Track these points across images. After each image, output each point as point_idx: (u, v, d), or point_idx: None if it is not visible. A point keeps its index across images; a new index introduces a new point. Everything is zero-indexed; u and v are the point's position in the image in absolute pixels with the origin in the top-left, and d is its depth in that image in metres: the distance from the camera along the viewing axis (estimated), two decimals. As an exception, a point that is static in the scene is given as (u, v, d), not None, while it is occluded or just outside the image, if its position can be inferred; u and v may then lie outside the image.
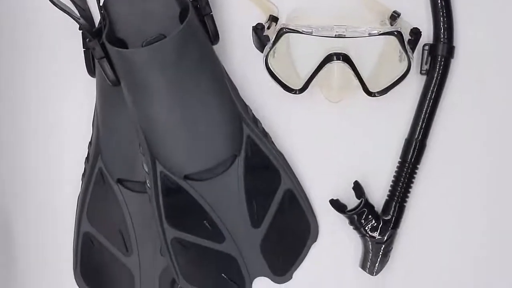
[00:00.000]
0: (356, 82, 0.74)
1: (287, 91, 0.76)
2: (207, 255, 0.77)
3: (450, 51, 0.76)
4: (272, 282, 0.79)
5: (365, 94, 0.75)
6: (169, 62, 0.70)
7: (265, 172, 0.77)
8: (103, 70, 0.72)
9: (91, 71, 0.77)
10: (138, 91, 0.72)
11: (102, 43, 0.71)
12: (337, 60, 0.73)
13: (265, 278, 0.79)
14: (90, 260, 0.79)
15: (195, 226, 0.76)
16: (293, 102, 0.78)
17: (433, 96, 0.77)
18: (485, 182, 0.79)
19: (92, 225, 0.79)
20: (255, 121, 0.77)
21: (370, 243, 0.76)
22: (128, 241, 0.78)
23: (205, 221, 0.77)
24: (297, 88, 0.76)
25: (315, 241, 0.79)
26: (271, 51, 0.74)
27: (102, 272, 0.80)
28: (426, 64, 0.77)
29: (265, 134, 0.78)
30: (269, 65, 0.75)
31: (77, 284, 0.80)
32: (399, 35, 0.71)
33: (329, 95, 0.76)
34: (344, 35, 0.71)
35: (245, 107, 0.77)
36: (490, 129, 0.79)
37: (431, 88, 0.77)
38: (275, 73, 0.75)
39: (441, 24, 0.77)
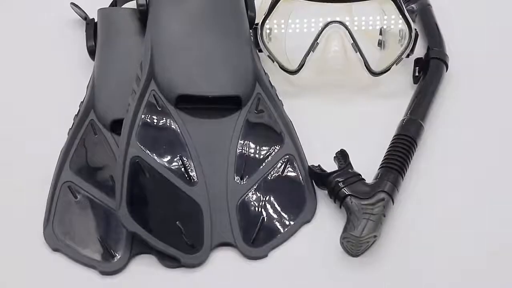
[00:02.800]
0: (355, 56, 0.80)
1: (285, 71, 0.82)
2: (167, 192, 0.71)
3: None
4: (237, 256, 0.69)
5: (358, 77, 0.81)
6: None
7: (268, 130, 0.78)
8: None
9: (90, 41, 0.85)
10: (169, 4, 0.80)
11: None
12: (335, 23, 0.80)
13: (227, 252, 0.70)
14: (69, 213, 0.72)
15: (166, 156, 0.73)
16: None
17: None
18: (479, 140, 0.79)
19: (77, 175, 0.74)
20: (271, 85, 0.81)
21: (353, 204, 0.70)
22: None
23: (179, 155, 0.73)
24: (293, 70, 0.82)
25: (309, 221, 0.72)
26: (267, 37, 0.82)
27: (81, 223, 0.72)
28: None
29: (278, 99, 0.80)
30: (268, 48, 0.82)
31: (46, 241, 0.70)
32: None
33: (325, 65, 0.82)
34: None
35: (263, 70, 0.81)
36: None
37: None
38: (272, 57, 0.82)
39: None
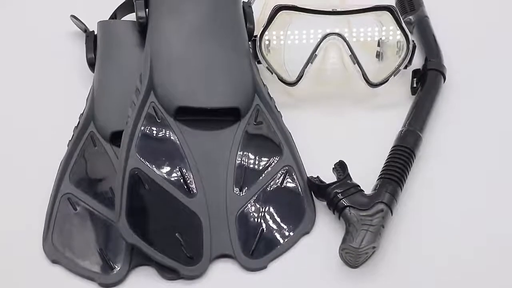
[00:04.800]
0: (353, 68, 0.81)
1: (283, 83, 0.83)
2: (167, 203, 0.71)
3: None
4: (236, 268, 0.69)
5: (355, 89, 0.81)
6: (207, 10, 0.83)
7: (267, 142, 0.78)
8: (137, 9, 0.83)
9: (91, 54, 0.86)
10: (169, 16, 0.81)
11: None
12: (333, 35, 0.80)
13: (227, 263, 0.70)
14: (68, 225, 0.72)
15: (165, 167, 0.73)
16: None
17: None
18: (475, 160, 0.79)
19: (76, 187, 0.74)
20: (270, 96, 0.81)
21: (352, 215, 0.70)
22: None
23: (178, 167, 0.73)
24: (292, 81, 0.82)
25: (308, 232, 0.72)
26: (265, 48, 0.83)
27: (81, 235, 0.72)
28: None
29: (277, 111, 0.80)
30: (266, 60, 0.82)
31: (45, 253, 0.70)
32: (393, 10, 0.80)
33: (324, 76, 0.83)
34: (339, 11, 0.80)
35: (262, 81, 0.82)
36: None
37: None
38: (271, 68, 0.83)
39: None
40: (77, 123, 0.80)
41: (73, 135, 0.79)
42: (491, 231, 0.73)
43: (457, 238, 0.72)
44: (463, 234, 0.72)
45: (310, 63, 0.81)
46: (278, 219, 0.73)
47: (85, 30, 0.90)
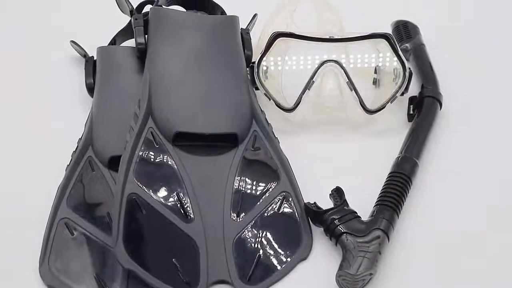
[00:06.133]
0: (349, 95, 0.81)
1: (281, 109, 0.83)
2: (164, 229, 0.71)
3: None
4: None
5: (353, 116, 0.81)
6: (205, 37, 0.85)
7: (265, 168, 0.78)
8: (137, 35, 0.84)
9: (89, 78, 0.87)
10: (168, 43, 0.82)
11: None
12: (330, 62, 0.81)
13: None
14: (65, 250, 0.72)
15: (162, 192, 0.73)
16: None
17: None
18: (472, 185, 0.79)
19: (74, 212, 0.75)
20: (267, 122, 0.82)
21: (349, 241, 0.70)
22: None
23: (176, 192, 0.73)
24: (289, 108, 0.83)
25: (305, 258, 0.72)
26: (263, 75, 0.83)
27: (77, 260, 0.71)
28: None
29: (275, 137, 0.81)
30: (264, 86, 0.83)
31: (42, 278, 0.70)
32: (389, 38, 0.81)
33: (321, 102, 0.83)
34: (337, 38, 0.81)
35: (259, 107, 0.82)
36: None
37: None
38: (269, 95, 0.83)
39: None
40: (75, 148, 0.81)
41: (71, 159, 0.79)
42: (490, 256, 0.73)
43: (455, 265, 0.72)
44: (461, 261, 0.72)
45: (307, 90, 0.81)
46: (275, 245, 0.73)
47: (85, 55, 0.91)
